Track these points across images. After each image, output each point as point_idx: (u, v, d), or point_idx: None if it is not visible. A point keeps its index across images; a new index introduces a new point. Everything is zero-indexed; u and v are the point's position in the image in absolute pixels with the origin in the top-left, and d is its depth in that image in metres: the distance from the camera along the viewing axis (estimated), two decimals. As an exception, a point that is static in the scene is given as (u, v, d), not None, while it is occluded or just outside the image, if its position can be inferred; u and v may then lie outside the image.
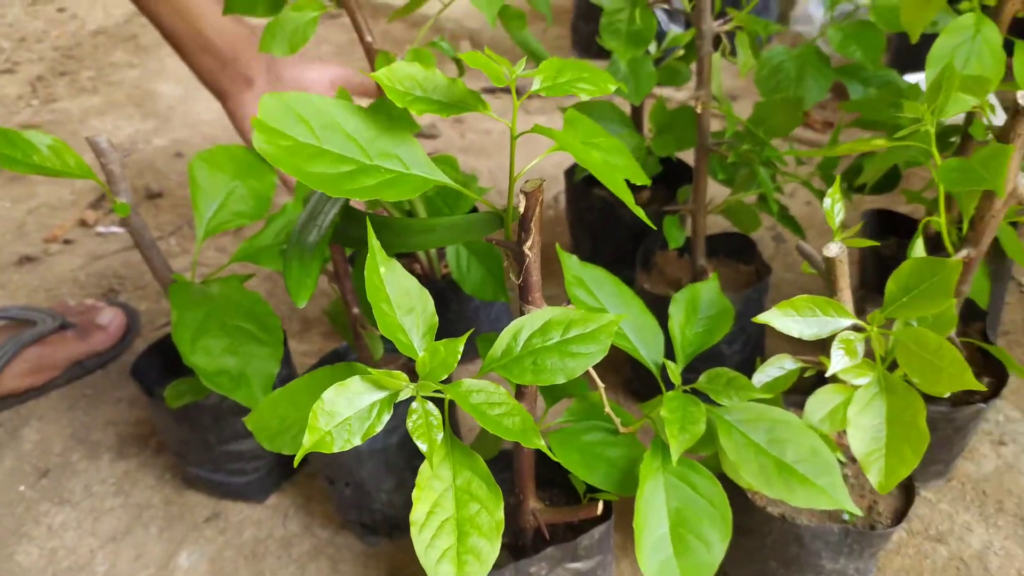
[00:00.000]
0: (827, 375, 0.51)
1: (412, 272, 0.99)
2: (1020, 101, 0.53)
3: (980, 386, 0.44)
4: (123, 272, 1.23)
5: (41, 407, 1.00)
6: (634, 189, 1.05)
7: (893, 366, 0.53)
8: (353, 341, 0.80)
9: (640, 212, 0.44)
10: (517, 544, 0.67)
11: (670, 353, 0.63)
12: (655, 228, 0.93)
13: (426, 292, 0.48)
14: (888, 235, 0.97)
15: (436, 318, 0.47)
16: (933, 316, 0.55)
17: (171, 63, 1.95)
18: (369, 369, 0.43)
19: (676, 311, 0.61)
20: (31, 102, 1.80)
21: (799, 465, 0.54)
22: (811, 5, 1.70)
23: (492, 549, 0.42)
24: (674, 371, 0.58)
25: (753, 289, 0.84)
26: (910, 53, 1.47)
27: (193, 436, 0.82)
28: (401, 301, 0.47)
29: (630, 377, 0.98)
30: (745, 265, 0.94)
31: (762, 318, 0.50)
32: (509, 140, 0.48)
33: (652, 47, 0.90)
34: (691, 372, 0.60)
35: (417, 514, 0.43)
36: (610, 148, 0.54)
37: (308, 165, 0.41)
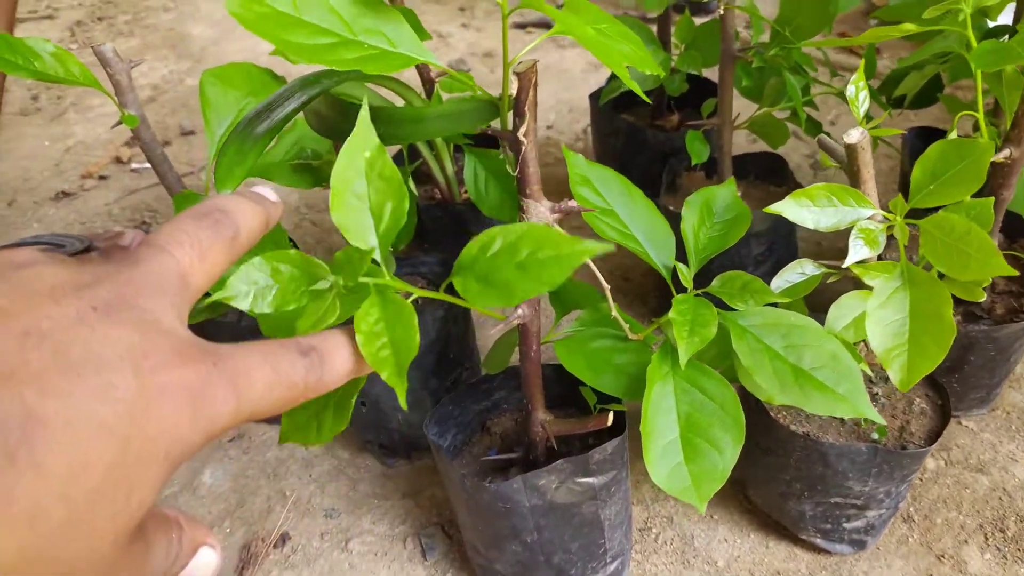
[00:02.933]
0: (844, 266, 0.47)
1: (432, 197, 0.98)
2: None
3: (1012, 271, 0.40)
4: (155, 206, 1.24)
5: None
6: (659, 111, 1.01)
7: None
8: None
9: (636, 87, 0.41)
10: (528, 458, 0.65)
11: (684, 259, 0.60)
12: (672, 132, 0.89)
13: (405, 190, 0.46)
14: (933, 155, 0.91)
15: (404, 221, 0.45)
16: (967, 212, 0.51)
17: (204, 6, 1.94)
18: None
19: (689, 213, 0.58)
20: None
21: (817, 372, 0.51)
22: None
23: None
24: (685, 274, 0.55)
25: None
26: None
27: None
28: (378, 191, 0.45)
29: (655, 306, 0.96)
30: (776, 187, 0.89)
31: (775, 208, 0.47)
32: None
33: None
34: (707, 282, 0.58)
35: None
36: (616, 34, 0.51)
37: (285, 33, 0.39)
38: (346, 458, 0.84)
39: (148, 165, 1.35)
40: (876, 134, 0.51)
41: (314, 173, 0.77)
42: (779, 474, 0.66)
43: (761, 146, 1.10)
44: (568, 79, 1.49)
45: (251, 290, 0.40)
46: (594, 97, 1.05)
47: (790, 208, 0.47)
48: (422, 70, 0.86)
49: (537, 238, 0.39)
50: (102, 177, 1.33)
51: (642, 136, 0.98)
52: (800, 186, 0.86)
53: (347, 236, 0.43)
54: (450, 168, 0.92)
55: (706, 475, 0.50)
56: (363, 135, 0.44)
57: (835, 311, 0.55)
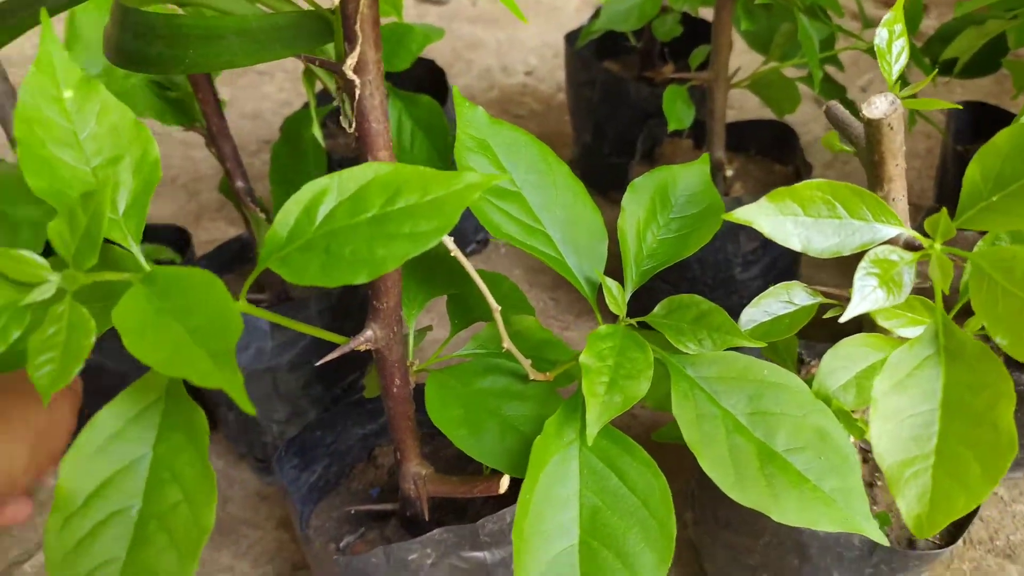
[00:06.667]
0: (842, 319, 0.30)
1: (351, 148, 0.80)
2: None
3: None
4: None
5: None
6: (650, 60, 0.82)
7: (965, 314, 0.32)
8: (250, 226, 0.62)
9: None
10: (406, 515, 0.49)
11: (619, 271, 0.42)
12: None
13: (147, 133, 0.29)
14: (985, 137, 0.72)
15: (155, 178, 0.28)
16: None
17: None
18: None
19: (633, 203, 0.40)
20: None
21: (794, 456, 0.35)
22: None
23: (181, 572, 0.25)
24: (615, 294, 0.38)
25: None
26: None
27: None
28: (102, 143, 0.28)
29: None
30: (781, 164, 0.71)
31: (740, 213, 0.29)
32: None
33: None
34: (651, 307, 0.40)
35: (69, 488, 0.26)
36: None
37: None
38: (219, 468, 0.68)
39: None
40: (913, 106, 0.33)
41: (178, 106, 0.59)
42: (742, 557, 0.49)
43: (770, 112, 0.91)
44: (559, 18, 1.28)
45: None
46: (571, 38, 0.86)
47: (765, 216, 0.29)
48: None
49: (392, 182, 0.29)
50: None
51: (623, 89, 0.79)
52: (808, 165, 0.67)
53: (62, 211, 0.27)
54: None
55: (609, 611, 0.33)
56: (56, 63, 0.28)
57: (831, 361, 0.37)
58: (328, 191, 0.31)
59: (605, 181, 0.84)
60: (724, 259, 0.63)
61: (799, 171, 0.68)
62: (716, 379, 0.37)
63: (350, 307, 0.64)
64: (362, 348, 0.38)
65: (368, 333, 0.38)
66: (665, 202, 0.41)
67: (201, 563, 0.61)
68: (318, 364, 0.36)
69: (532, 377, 0.40)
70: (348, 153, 0.79)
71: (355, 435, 0.55)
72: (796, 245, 0.29)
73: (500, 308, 0.39)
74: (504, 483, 0.42)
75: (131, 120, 0.30)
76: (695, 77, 0.62)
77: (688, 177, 0.43)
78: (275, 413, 0.61)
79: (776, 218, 0.29)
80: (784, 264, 0.68)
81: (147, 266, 0.28)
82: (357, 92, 0.32)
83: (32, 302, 0.26)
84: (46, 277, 0.26)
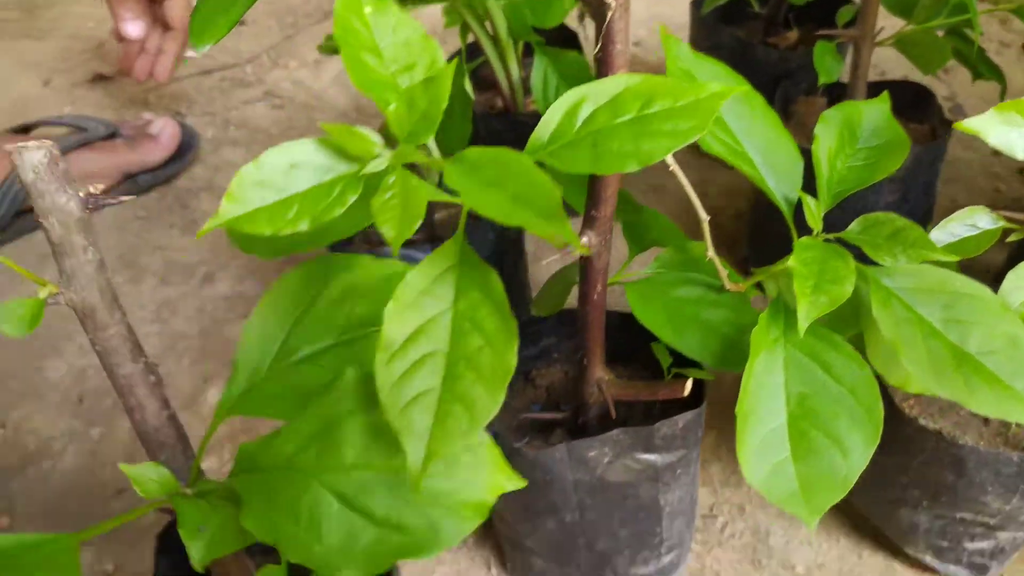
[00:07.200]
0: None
1: (492, 106, 0.84)
2: None
3: None
4: (194, 96, 1.14)
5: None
6: (774, 26, 0.85)
7: None
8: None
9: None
10: (577, 421, 0.53)
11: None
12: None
13: (434, 44, 0.33)
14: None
15: (445, 95, 0.32)
16: None
17: None
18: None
19: (825, 133, 0.43)
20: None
21: (987, 358, 0.38)
22: None
23: (491, 402, 0.29)
24: (813, 210, 0.41)
25: (925, 149, 0.65)
26: None
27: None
28: (398, 54, 0.33)
29: (747, 255, 0.81)
30: (917, 123, 0.73)
31: (970, 124, 0.33)
32: None
33: None
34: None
35: (390, 336, 0.30)
36: None
37: None
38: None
39: (191, 54, 1.24)
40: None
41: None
42: (895, 476, 0.52)
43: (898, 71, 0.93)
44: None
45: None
46: (696, 4, 0.89)
47: (992, 127, 0.32)
48: None
49: (644, 91, 0.30)
50: (145, 62, 1.23)
51: (751, 54, 0.82)
52: (946, 122, 0.70)
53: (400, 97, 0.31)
54: (516, 72, 0.78)
55: (821, 481, 0.37)
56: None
57: (1014, 279, 0.41)
58: (585, 99, 0.35)
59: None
60: (864, 208, 0.66)
61: (935, 129, 0.70)
62: (912, 290, 0.40)
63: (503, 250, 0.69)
64: (576, 254, 0.42)
65: (584, 239, 0.42)
66: (853, 134, 0.45)
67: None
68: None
69: (728, 287, 0.44)
70: (482, 109, 0.83)
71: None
72: (1020, 153, 0.33)
73: (706, 220, 0.42)
74: (687, 386, 0.46)
75: (420, 34, 0.34)
76: (842, 34, 0.65)
77: (871, 113, 0.46)
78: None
79: (1002, 128, 0.33)
80: (922, 212, 0.71)
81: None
82: (608, 15, 0.36)
83: (367, 173, 0.30)
84: (378, 152, 0.31)
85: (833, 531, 0.60)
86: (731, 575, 0.58)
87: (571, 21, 1.08)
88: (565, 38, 0.86)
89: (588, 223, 0.41)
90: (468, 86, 0.69)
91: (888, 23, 0.72)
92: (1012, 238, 0.42)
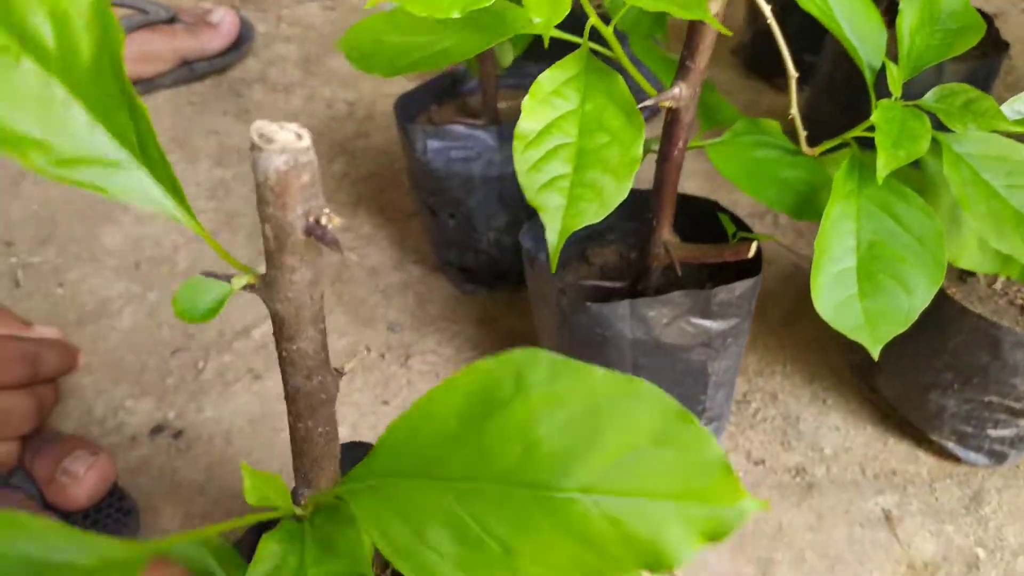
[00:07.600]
0: None
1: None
2: None
3: None
4: (247, -7, 1.15)
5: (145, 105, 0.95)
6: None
7: None
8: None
9: None
10: (636, 289, 0.56)
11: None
12: None
13: None
14: None
15: None
16: None
17: None
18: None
19: (909, 8, 0.46)
20: None
21: (1044, 221, 0.41)
22: None
23: (618, 190, 0.32)
24: (895, 77, 0.44)
25: (980, 64, 0.67)
26: None
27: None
28: None
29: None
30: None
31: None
32: None
33: None
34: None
35: (525, 126, 0.33)
36: None
37: None
38: (417, 275, 0.76)
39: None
40: None
41: None
42: (930, 360, 0.56)
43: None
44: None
45: None
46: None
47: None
48: None
49: None
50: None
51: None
52: (1002, 42, 0.72)
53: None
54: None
55: (885, 315, 0.40)
56: None
57: (1073, 157, 0.43)
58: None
59: (772, 67, 0.90)
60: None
61: (986, 53, 0.72)
62: (978, 156, 0.43)
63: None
64: (665, 105, 0.45)
65: (675, 91, 0.44)
66: (934, 15, 0.47)
67: (410, 344, 0.70)
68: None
69: (804, 150, 0.46)
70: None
71: (572, 237, 0.62)
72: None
73: (791, 76, 0.45)
74: (752, 247, 0.49)
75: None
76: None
77: (950, -2, 0.48)
78: (494, 220, 0.68)
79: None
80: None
81: None
82: None
83: None
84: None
85: (861, 419, 0.63)
86: (762, 453, 0.62)
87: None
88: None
89: (682, 74, 0.44)
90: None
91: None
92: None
